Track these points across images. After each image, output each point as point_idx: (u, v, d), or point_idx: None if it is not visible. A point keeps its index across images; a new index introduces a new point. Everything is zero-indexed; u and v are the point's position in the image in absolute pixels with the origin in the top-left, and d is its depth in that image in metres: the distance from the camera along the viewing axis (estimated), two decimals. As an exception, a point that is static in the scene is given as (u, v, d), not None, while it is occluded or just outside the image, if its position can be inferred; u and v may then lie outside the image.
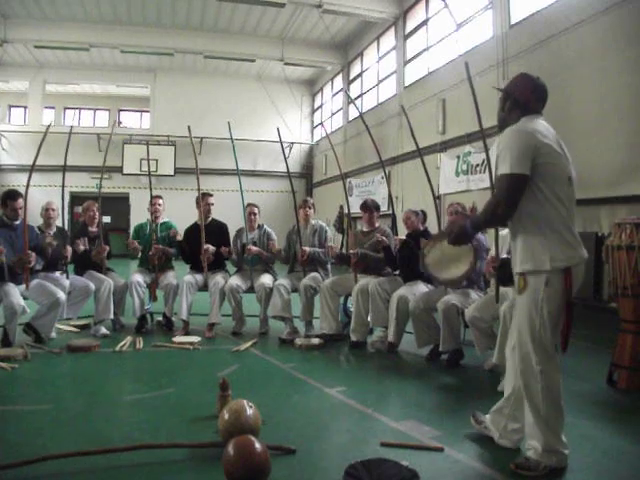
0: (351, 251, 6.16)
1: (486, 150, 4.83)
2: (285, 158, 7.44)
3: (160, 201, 6.96)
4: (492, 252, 4.89)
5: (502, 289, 4.42)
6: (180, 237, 6.88)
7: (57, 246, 5.98)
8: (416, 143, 6.32)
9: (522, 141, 2.88)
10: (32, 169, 5.84)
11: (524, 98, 3.10)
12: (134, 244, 6.72)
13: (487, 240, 5.76)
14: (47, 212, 6.33)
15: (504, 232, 4.66)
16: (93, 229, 6.65)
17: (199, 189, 6.79)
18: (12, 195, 5.74)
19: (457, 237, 3.22)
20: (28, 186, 5.71)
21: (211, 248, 6.48)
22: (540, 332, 2.88)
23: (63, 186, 6.77)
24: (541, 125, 3.01)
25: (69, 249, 6.17)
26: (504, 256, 4.47)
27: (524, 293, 2.96)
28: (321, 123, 20.90)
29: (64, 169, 6.75)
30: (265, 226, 6.88)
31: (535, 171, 2.86)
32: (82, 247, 6.32)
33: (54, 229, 6.32)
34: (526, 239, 2.94)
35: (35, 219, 6.18)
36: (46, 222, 6.32)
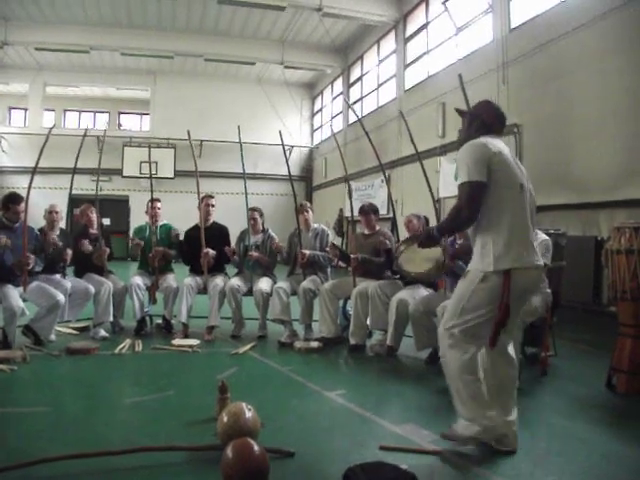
0: (352, 255, 6.17)
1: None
2: (287, 161, 7.44)
3: (159, 204, 6.95)
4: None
5: None
6: (180, 238, 6.89)
7: (60, 248, 6.00)
8: (415, 148, 6.33)
9: (477, 152, 3.14)
10: (34, 171, 5.86)
11: (490, 121, 3.37)
12: (135, 239, 6.73)
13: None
14: (51, 215, 6.33)
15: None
16: (94, 231, 6.65)
17: (199, 193, 6.80)
18: (15, 199, 5.75)
19: (425, 240, 3.50)
20: (30, 188, 5.71)
21: (211, 252, 6.48)
22: (459, 314, 3.16)
23: (71, 188, 6.78)
24: (497, 141, 3.27)
25: (69, 252, 6.18)
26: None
27: (462, 280, 3.27)
28: (322, 126, 20.92)
29: (73, 171, 6.77)
30: (270, 230, 6.88)
31: (488, 178, 3.10)
32: (89, 247, 6.33)
33: (57, 232, 6.32)
34: (478, 241, 3.21)
35: (35, 221, 6.18)
36: (50, 224, 6.32)
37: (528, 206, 3.21)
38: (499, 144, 3.24)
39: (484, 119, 3.35)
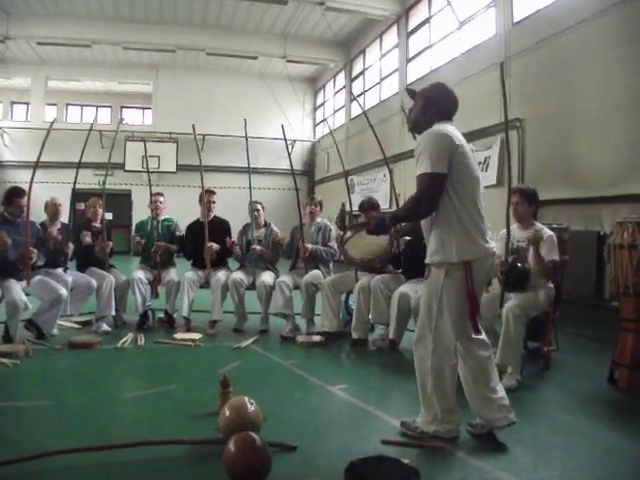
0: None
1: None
2: (289, 155, 7.43)
3: (161, 198, 6.96)
4: (495, 250, 4.91)
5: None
6: (180, 232, 6.89)
7: (61, 241, 6.01)
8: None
9: (440, 142, 3.11)
10: (36, 166, 5.85)
11: (446, 108, 3.33)
12: (136, 238, 6.74)
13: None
14: (53, 207, 6.35)
15: (502, 232, 4.68)
16: (97, 225, 6.65)
17: (202, 187, 6.79)
18: (18, 192, 5.75)
19: (375, 227, 3.45)
20: (32, 182, 5.71)
21: (215, 246, 6.48)
22: (437, 317, 3.17)
23: (75, 182, 6.77)
24: (454, 129, 3.24)
25: (71, 246, 6.19)
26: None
27: (427, 281, 3.28)
28: (324, 120, 20.86)
29: (78, 165, 6.75)
30: (272, 225, 6.88)
31: (450, 170, 3.09)
32: (87, 239, 6.35)
33: (59, 225, 6.33)
34: (437, 233, 3.18)
35: (37, 215, 6.18)
36: (51, 218, 6.33)
37: (482, 197, 3.24)
38: (459, 134, 3.22)
39: (438, 104, 3.31)
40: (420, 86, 3.61)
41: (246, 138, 7.17)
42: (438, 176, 3.06)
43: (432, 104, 3.32)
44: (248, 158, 7.09)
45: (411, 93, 3.52)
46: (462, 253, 3.08)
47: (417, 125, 3.39)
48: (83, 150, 6.64)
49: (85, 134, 6.96)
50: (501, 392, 3.24)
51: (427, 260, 3.25)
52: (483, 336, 3.26)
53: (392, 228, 3.60)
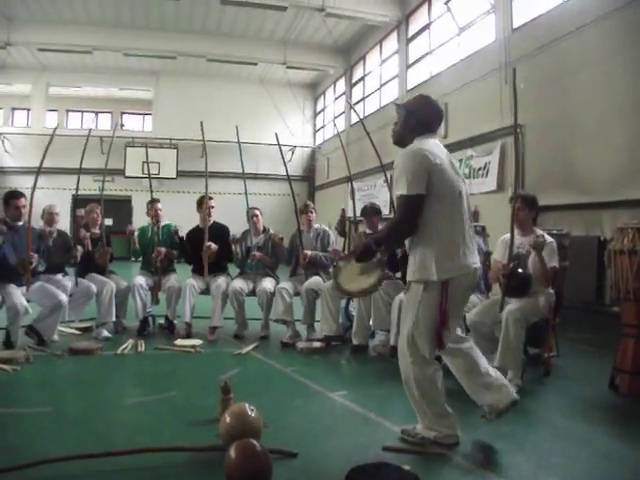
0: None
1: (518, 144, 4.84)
2: (284, 162, 7.42)
3: (159, 205, 6.96)
4: (495, 256, 4.92)
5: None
6: (181, 234, 6.90)
7: (56, 247, 6.04)
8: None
9: (417, 163, 3.10)
10: (38, 172, 5.87)
11: (427, 119, 3.33)
12: (129, 228, 6.90)
13: (486, 243, 5.79)
14: (50, 215, 6.37)
15: (507, 236, 4.69)
16: (95, 231, 6.66)
17: (207, 192, 6.80)
18: (14, 194, 5.81)
19: (362, 254, 3.47)
20: (34, 189, 5.71)
21: (213, 246, 6.47)
22: (413, 330, 3.23)
23: (77, 188, 6.78)
24: (434, 145, 3.24)
25: (79, 248, 6.22)
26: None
27: (406, 296, 3.34)
28: (325, 125, 20.90)
29: (79, 172, 6.74)
30: (271, 230, 6.88)
31: (428, 189, 3.08)
32: (85, 233, 6.42)
33: (55, 233, 6.33)
34: (417, 251, 3.20)
35: (36, 222, 6.19)
36: (47, 225, 6.34)
37: (466, 210, 3.25)
38: (437, 150, 3.21)
39: (421, 118, 3.31)
40: (420, 92, 3.62)
41: (239, 144, 7.19)
42: (415, 198, 3.08)
43: (413, 116, 3.33)
44: (242, 164, 7.11)
45: (397, 106, 3.52)
46: (441, 271, 3.09)
47: (400, 138, 3.39)
48: (82, 156, 6.64)
49: (85, 140, 6.96)
50: (495, 373, 3.34)
51: (408, 278, 3.28)
52: (457, 331, 3.40)
53: (377, 252, 3.56)
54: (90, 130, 7.54)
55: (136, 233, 6.88)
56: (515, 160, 4.77)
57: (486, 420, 3.34)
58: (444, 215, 3.12)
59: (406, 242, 3.32)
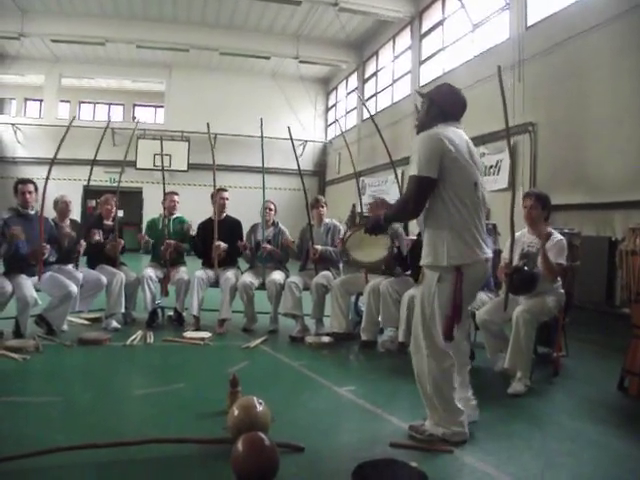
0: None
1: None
2: (296, 156, 7.42)
3: (176, 197, 7.00)
4: (504, 255, 4.89)
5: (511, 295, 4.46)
6: (193, 232, 6.92)
7: (74, 239, 6.06)
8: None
9: (431, 147, 3.14)
10: (52, 163, 5.90)
11: (448, 108, 3.34)
12: (144, 238, 6.79)
13: (496, 242, 5.76)
14: (63, 205, 6.39)
15: (518, 234, 4.66)
16: (108, 222, 6.69)
17: (214, 185, 6.81)
18: (22, 180, 5.88)
19: (372, 227, 3.53)
20: (47, 179, 5.75)
21: (222, 245, 6.49)
22: (429, 322, 3.22)
23: (90, 179, 6.79)
24: (454, 132, 3.24)
25: (83, 243, 6.23)
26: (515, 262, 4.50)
27: (421, 285, 3.37)
28: (336, 121, 20.85)
29: (92, 163, 6.78)
30: (280, 224, 6.89)
31: (442, 175, 3.12)
32: (97, 237, 6.39)
33: (68, 222, 6.37)
34: (430, 235, 3.25)
35: (47, 212, 6.23)
36: (60, 215, 6.37)
37: (481, 202, 3.27)
38: (456, 137, 3.21)
39: (442, 106, 3.33)
40: (432, 88, 3.60)
41: (262, 137, 7.17)
42: (424, 180, 3.11)
43: (435, 105, 3.35)
44: (263, 158, 7.09)
45: (421, 94, 3.55)
46: (452, 257, 3.12)
47: (422, 126, 3.38)
48: (98, 148, 6.66)
49: (97, 131, 7.03)
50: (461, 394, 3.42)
51: (421, 262, 3.32)
52: (464, 344, 3.49)
53: (387, 227, 3.68)
54: (108, 122, 7.57)
55: (144, 225, 6.89)
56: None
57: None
58: (457, 203, 3.14)
59: (420, 226, 3.38)
